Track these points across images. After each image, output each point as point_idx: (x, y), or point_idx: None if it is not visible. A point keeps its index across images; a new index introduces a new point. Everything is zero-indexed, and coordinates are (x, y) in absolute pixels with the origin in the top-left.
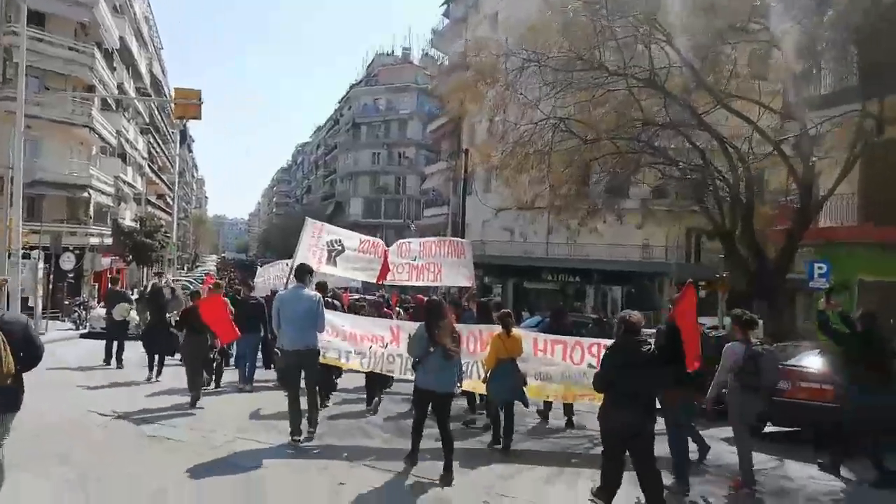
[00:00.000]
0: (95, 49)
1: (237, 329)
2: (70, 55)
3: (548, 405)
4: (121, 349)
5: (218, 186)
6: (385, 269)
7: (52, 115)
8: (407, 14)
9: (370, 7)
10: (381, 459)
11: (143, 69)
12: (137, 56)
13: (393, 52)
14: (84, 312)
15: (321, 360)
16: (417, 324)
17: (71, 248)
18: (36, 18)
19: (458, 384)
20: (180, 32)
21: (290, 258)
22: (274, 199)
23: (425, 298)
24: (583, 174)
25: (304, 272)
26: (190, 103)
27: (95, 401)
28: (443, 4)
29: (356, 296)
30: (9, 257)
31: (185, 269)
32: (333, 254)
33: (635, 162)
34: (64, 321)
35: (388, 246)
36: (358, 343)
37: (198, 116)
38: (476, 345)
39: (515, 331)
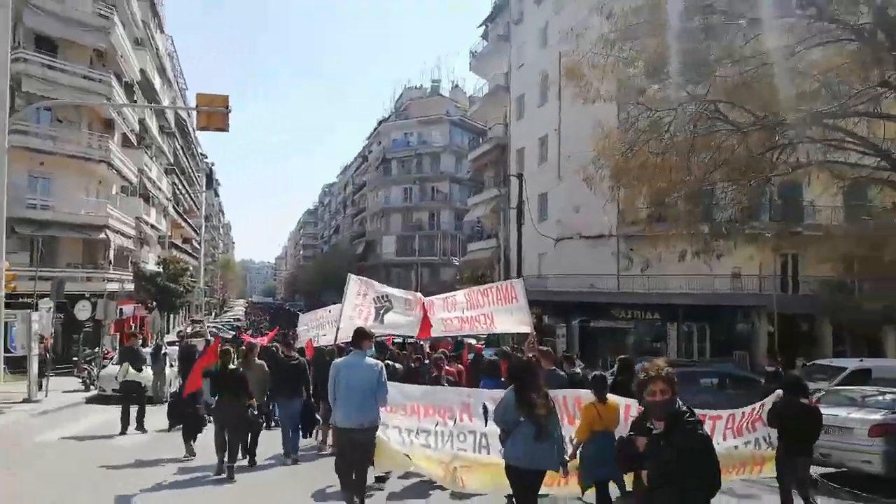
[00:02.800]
0: (113, 78)
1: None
2: (85, 84)
3: None
4: (141, 413)
5: (244, 231)
6: (426, 323)
7: (66, 149)
8: (433, 47)
9: (393, 44)
10: None
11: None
12: (161, 92)
13: (421, 85)
14: (95, 370)
15: (380, 443)
16: (490, 391)
17: (87, 295)
18: (47, 44)
19: (563, 464)
20: (203, 75)
21: (322, 306)
22: (301, 242)
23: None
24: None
25: (361, 337)
26: (215, 111)
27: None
28: (481, 26)
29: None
30: None
31: (213, 314)
32: (381, 311)
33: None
34: (80, 379)
35: (425, 296)
36: (421, 419)
37: (224, 128)
38: (562, 416)
39: (612, 398)
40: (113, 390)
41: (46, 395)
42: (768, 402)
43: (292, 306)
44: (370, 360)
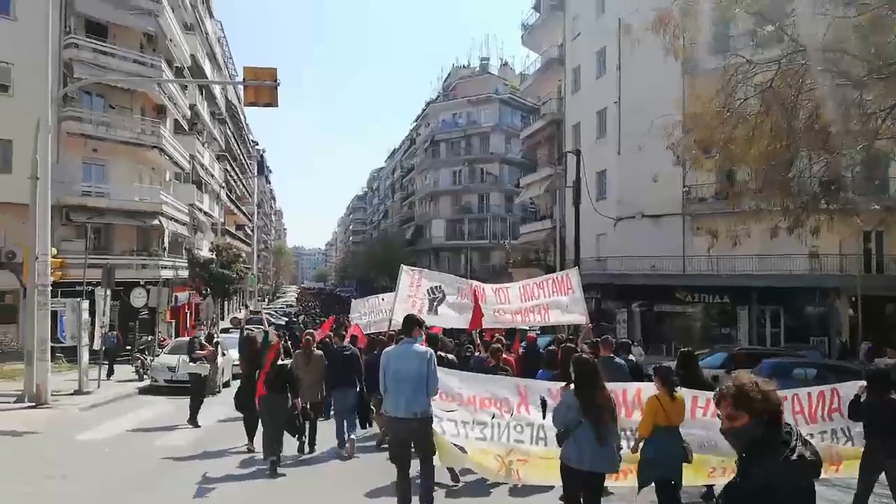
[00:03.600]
0: (163, 62)
1: (329, 382)
2: (136, 68)
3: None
4: (195, 407)
5: (295, 218)
6: (478, 313)
7: (119, 136)
8: (482, 25)
9: (442, 23)
10: None
11: (218, 93)
12: (211, 77)
13: (469, 63)
14: (148, 358)
15: (435, 437)
16: (547, 384)
17: (142, 282)
18: (97, 29)
19: (617, 464)
20: (252, 62)
21: (373, 291)
22: (350, 228)
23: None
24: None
25: (412, 324)
26: (263, 85)
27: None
28: None
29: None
30: (23, 295)
31: (266, 300)
32: (435, 302)
33: None
34: (133, 368)
35: (480, 286)
36: (477, 410)
37: (273, 102)
38: (619, 410)
39: (680, 391)
40: (165, 381)
41: (99, 386)
42: (848, 389)
43: (343, 292)
44: (420, 348)
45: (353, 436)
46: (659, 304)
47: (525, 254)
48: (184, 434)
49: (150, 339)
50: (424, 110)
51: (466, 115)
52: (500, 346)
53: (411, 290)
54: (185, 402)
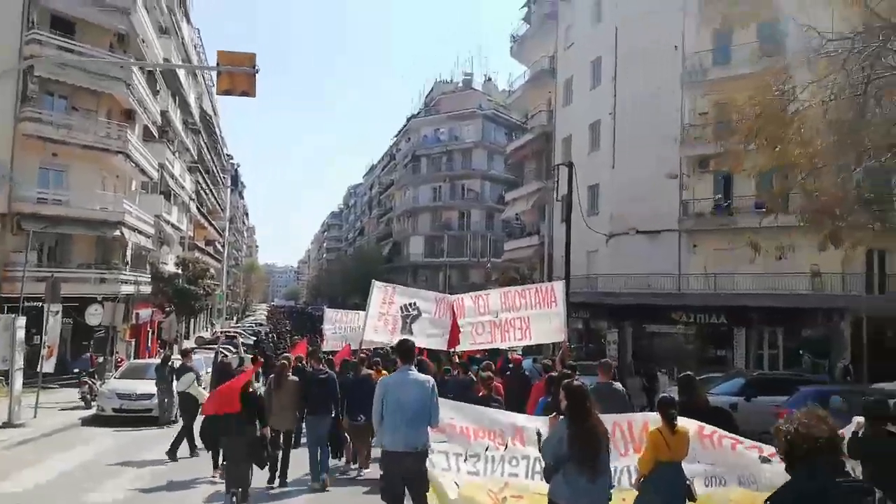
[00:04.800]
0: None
1: (303, 409)
2: (104, 68)
3: None
4: (179, 437)
5: (267, 235)
6: (455, 331)
7: (80, 139)
8: (465, 41)
9: (423, 40)
10: None
11: (192, 101)
12: (185, 85)
13: (452, 79)
14: (97, 383)
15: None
16: (545, 418)
17: (99, 298)
18: (63, 26)
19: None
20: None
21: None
22: (324, 245)
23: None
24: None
25: (408, 350)
26: (240, 72)
27: None
28: (523, 7)
29: None
30: None
31: (235, 319)
32: (409, 320)
33: None
34: (80, 394)
35: (458, 299)
36: (471, 442)
37: (251, 91)
38: (627, 445)
39: (682, 424)
40: (113, 410)
41: (35, 416)
42: (848, 430)
43: (315, 310)
44: (420, 376)
45: (326, 469)
46: (651, 325)
47: (507, 272)
48: (122, 482)
49: (100, 360)
50: (405, 125)
51: (448, 130)
52: (490, 373)
53: (383, 308)
54: (133, 435)
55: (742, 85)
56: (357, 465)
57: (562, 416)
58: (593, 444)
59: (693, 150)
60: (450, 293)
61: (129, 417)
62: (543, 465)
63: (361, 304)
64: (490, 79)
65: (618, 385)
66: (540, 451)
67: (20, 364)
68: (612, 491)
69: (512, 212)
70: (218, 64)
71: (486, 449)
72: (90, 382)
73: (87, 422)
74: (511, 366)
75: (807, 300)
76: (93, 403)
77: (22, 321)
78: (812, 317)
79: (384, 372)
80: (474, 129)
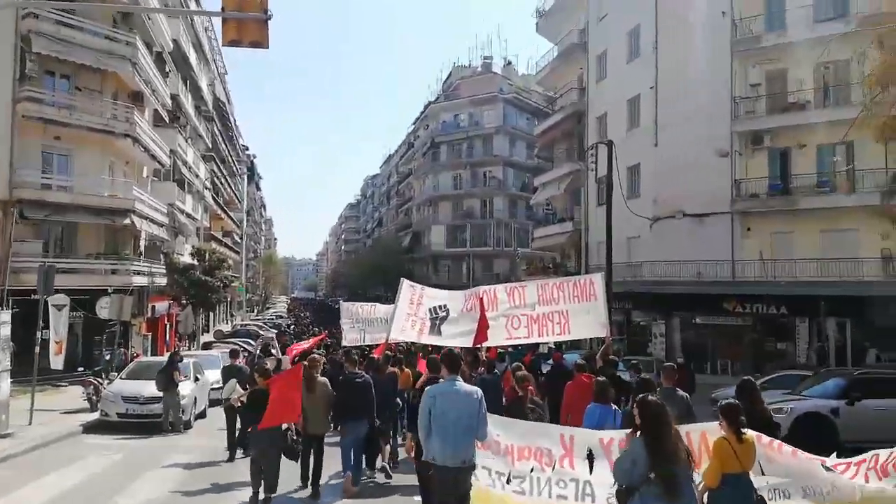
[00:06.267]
0: (140, 42)
1: (334, 414)
2: (107, 45)
3: None
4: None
5: (285, 228)
6: (483, 324)
7: (85, 121)
8: (484, 23)
9: (441, 24)
10: None
11: (205, 87)
12: (197, 69)
13: (471, 63)
14: (104, 382)
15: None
16: (598, 433)
17: (110, 290)
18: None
19: None
20: (243, 65)
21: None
22: (342, 237)
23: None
24: None
25: (455, 361)
26: (249, 18)
27: None
28: None
29: None
30: None
31: (255, 311)
32: (438, 322)
33: None
34: (84, 396)
35: (489, 290)
36: (515, 462)
37: (262, 42)
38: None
39: (748, 432)
40: (118, 415)
41: (30, 423)
42: None
43: (334, 302)
44: (468, 388)
45: (359, 474)
46: (701, 316)
47: (536, 261)
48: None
49: (107, 358)
50: (424, 112)
51: (468, 115)
52: (525, 372)
53: (411, 309)
54: (140, 446)
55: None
56: (380, 468)
57: (636, 434)
58: (675, 465)
59: (745, 124)
60: (473, 284)
61: (135, 423)
62: (594, 488)
63: (383, 296)
64: (510, 62)
65: (680, 392)
66: (613, 473)
67: (6, 364)
68: None
69: (542, 197)
70: (223, 9)
71: (532, 470)
72: (96, 382)
73: (89, 428)
74: (551, 362)
75: (880, 287)
76: (99, 406)
77: (7, 316)
78: (882, 306)
79: (406, 370)
80: (495, 113)
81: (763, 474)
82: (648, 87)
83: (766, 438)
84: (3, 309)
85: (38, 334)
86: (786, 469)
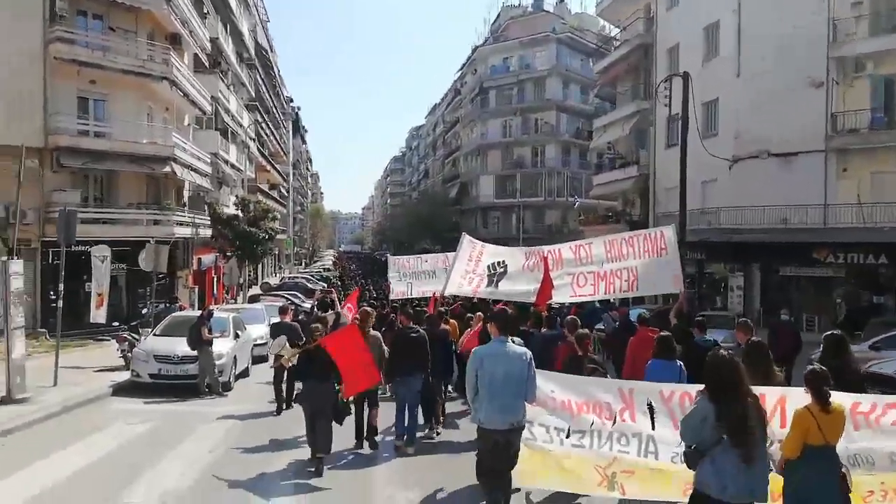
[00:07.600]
0: None
1: (387, 371)
2: None
3: None
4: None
5: (331, 182)
6: (547, 285)
7: (120, 63)
8: None
9: None
10: None
11: (246, 32)
12: (237, 12)
13: (521, 2)
14: (139, 339)
15: (524, 446)
16: (656, 386)
17: (152, 241)
18: None
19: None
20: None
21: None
22: (388, 190)
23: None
24: None
25: (507, 321)
26: None
27: None
28: None
29: None
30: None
31: (303, 264)
32: (495, 277)
33: None
34: (119, 352)
35: (554, 250)
36: (575, 416)
37: None
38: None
39: (836, 401)
40: (150, 376)
41: (56, 384)
42: None
43: (380, 255)
44: (517, 349)
45: (414, 433)
46: (787, 267)
47: (594, 210)
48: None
49: (144, 312)
50: (471, 56)
51: (519, 58)
52: (581, 327)
53: (469, 265)
54: (171, 413)
55: None
56: (429, 428)
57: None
58: (745, 426)
59: (845, 49)
60: (524, 235)
61: (169, 385)
62: (657, 445)
63: (430, 248)
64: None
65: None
66: (681, 432)
67: (19, 321)
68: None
69: (603, 140)
70: None
71: (592, 424)
72: (130, 338)
73: (118, 390)
74: (617, 322)
75: None
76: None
77: (19, 266)
78: None
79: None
80: (547, 55)
81: (848, 444)
82: (731, 11)
83: (863, 406)
84: (13, 258)
85: (60, 286)
86: (877, 435)
